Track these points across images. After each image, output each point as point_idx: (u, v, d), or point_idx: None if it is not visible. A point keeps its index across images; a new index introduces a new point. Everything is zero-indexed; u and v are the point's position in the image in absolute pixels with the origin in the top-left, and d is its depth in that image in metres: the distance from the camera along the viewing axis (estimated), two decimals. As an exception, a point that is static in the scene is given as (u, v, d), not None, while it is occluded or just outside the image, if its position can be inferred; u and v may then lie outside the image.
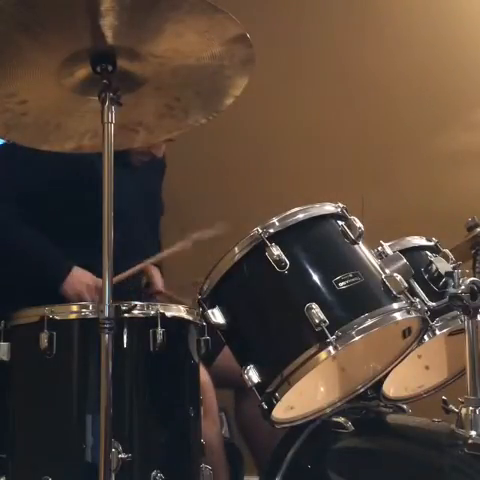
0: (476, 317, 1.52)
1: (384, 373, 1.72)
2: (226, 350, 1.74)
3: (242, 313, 1.60)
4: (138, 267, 2.09)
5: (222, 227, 2.10)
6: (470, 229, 2.04)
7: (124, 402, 1.51)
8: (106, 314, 1.39)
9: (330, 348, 1.47)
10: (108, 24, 1.38)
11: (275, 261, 1.54)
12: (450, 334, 1.77)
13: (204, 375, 1.89)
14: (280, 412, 1.59)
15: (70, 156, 1.78)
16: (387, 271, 1.61)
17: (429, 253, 1.83)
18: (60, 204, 2.14)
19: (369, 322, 1.50)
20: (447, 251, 1.86)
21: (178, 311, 1.64)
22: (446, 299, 1.58)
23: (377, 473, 1.57)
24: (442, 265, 1.76)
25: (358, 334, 1.49)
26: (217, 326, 1.58)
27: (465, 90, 3.16)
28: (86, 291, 2.03)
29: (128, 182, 2.01)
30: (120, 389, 1.48)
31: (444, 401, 1.70)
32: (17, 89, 1.51)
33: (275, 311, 1.58)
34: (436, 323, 1.71)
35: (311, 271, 1.56)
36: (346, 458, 1.68)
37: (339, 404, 1.70)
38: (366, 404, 1.81)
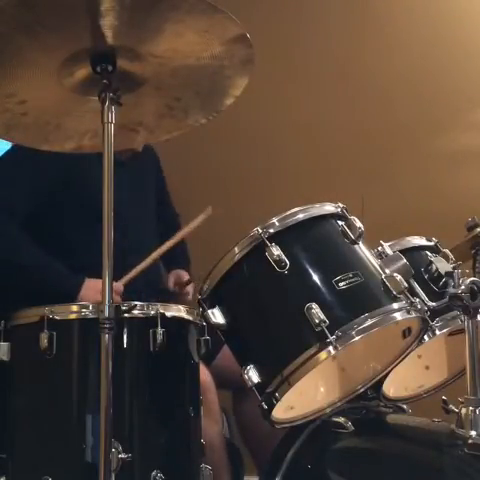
0: (476, 317, 1.52)
1: (384, 373, 1.72)
2: (225, 350, 1.74)
3: (242, 313, 1.60)
4: (143, 265, 2.07)
5: (210, 210, 2.20)
6: (470, 229, 2.04)
7: (124, 402, 1.51)
8: (106, 314, 1.39)
9: (330, 348, 1.47)
10: (108, 24, 1.38)
11: (275, 261, 1.54)
12: (450, 334, 1.78)
13: (206, 375, 1.89)
14: (280, 412, 1.59)
15: (64, 157, 1.78)
16: (387, 271, 1.61)
17: (429, 253, 1.83)
18: (59, 207, 2.12)
19: (369, 322, 1.50)
20: (447, 251, 1.87)
21: (178, 311, 1.64)
22: (446, 299, 1.58)
23: (377, 473, 1.57)
24: (442, 265, 1.76)
25: (358, 334, 1.49)
26: (217, 326, 1.58)
27: (465, 90, 3.16)
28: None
29: (123, 182, 2.00)
30: (120, 389, 1.48)
31: (444, 401, 1.70)
32: (17, 89, 1.50)
33: (275, 311, 1.58)
34: (436, 323, 1.71)
35: (311, 271, 1.56)
36: (346, 458, 1.67)
37: (339, 404, 1.70)
38: (366, 404, 1.81)
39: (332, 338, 1.47)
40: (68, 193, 2.11)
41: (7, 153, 2.14)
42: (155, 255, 2.12)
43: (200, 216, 2.20)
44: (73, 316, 1.56)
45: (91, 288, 1.97)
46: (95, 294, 1.91)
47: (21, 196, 2.09)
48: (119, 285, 1.96)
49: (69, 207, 2.12)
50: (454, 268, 1.62)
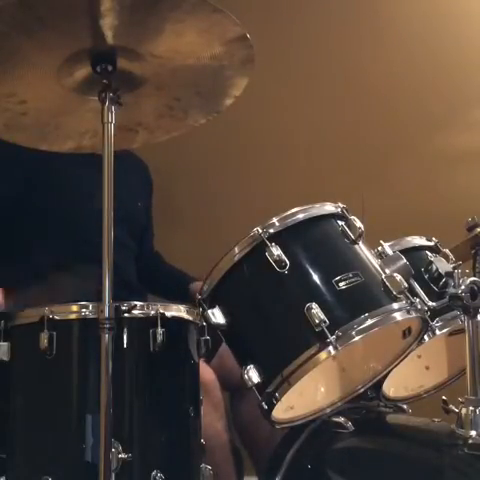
0: (476, 317, 1.53)
1: (384, 373, 1.72)
2: (222, 351, 1.74)
3: (242, 313, 1.60)
4: None
5: None
6: (470, 229, 2.04)
7: (124, 402, 1.51)
8: (106, 314, 1.39)
9: (330, 348, 1.47)
10: (108, 24, 1.38)
11: (275, 261, 1.54)
12: (450, 334, 1.78)
13: (209, 374, 1.90)
14: (280, 412, 1.59)
15: (38, 156, 1.76)
16: (387, 271, 1.61)
17: (429, 253, 1.83)
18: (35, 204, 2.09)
19: (369, 322, 1.50)
20: (447, 251, 1.87)
21: (178, 311, 1.63)
22: (446, 299, 1.58)
23: (377, 473, 1.57)
24: (442, 265, 1.76)
25: (358, 334, 1.49)
26: (217, 326, 1.58)
27: (464, 90, 3.16)
28: None
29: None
30: (120, 389, 1.47)
31: (444, 401, 1.70)
32: (17, 89, 1.51)
33: (275, 311, 1.58)
34: (436, 323, 1.71)
35: (311, 271, 1.56)
36: (346, 458, 1.68)
37: (339, 404, 1.71)
38: (366, 404, 1.81)
39: (332, 338, 1.47)
40: (36, 196, 2.08)
41: None
42: None
43: None
44: (73, 316, 1.56)
45: None
46: None
47: None
48: None
49: (36, 213, 2.07)
50: (454, 268, 1.62)
